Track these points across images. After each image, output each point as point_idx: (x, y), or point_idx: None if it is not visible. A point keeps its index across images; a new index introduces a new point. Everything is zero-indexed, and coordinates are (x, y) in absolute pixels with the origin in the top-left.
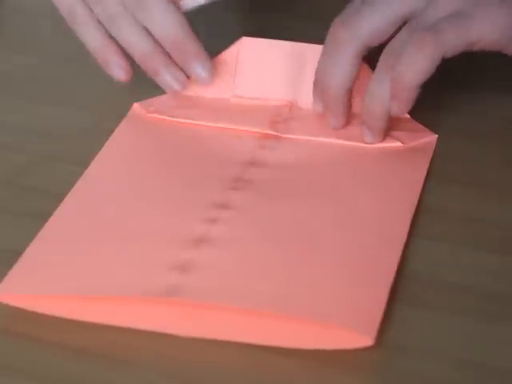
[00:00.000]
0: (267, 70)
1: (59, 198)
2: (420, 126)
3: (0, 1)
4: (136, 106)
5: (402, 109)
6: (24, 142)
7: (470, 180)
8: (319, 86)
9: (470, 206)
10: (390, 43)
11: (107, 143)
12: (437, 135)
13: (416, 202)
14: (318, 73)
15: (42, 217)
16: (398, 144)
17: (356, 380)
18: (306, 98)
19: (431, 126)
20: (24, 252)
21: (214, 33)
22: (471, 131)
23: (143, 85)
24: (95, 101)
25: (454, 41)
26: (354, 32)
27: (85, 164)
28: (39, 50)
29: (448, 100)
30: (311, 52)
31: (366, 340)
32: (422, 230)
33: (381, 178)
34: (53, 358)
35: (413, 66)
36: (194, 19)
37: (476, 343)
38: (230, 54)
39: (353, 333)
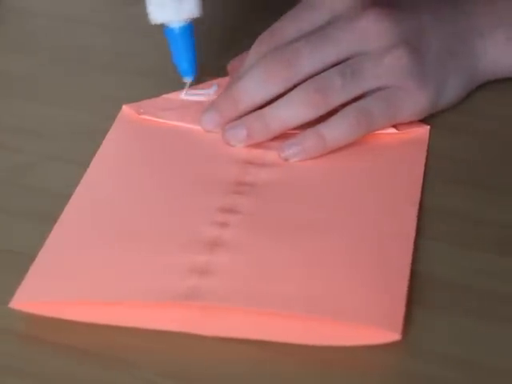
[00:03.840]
0: None
1: (59, 197)
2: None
3: (0, 1)
4: (125, 108)
5: (299, 158)
6: (24, 142)
7: (470, 180)
8: (229, 96)
9: (470, 205)
10: (318, 78)
11: (103, 145)
12: (429, 126)
13: (419, 195)
14: (233, 90)
15: (41, 217)
16: (393, 130)
17: (356, 380)
18: None
19: (431, 126)
20: (35, 259)
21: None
22: (471, 131)
23: (143, 85)
24: (94, 101)
25: (380, 124)
26: (294, 74)
27: (84, 164)
28: (39, 50)
29: None
30: None
31: (393, 335)
32: (422, 230)
33: (381, 171)
34: (52, 358)
35: (339, 136)
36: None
37: (476, 343)
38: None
39: (380, 329)
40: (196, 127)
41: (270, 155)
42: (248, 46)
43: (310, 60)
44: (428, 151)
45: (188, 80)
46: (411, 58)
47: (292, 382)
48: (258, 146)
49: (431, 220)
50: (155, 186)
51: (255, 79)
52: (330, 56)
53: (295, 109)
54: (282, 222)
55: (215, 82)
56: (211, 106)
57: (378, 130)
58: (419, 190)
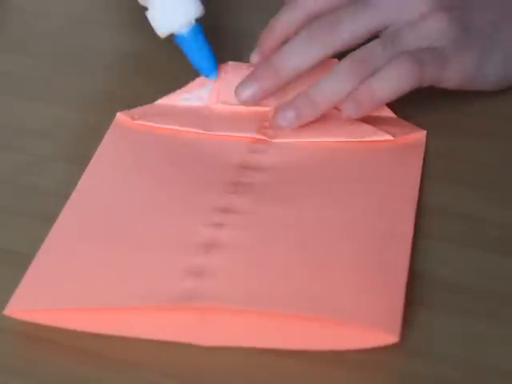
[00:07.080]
0: None
1: (59, 198)
2: (408, 124)
3: (0, 1)
4: (119, 114)
5: (356, 114)
6: (24, 142)
7: (470, 180)
8: (269, 65)
9: (470, 205)
10: (359, 50)
11: (98, 150)
12: (425, 131)
13: (417, 197)
14: (273, 59)
15: (41, 217)
16: (389, 137)
17: (356, 380)
18: None
19: (431, 126)
20: (30, 265)
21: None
22: (471, 131)
23: (143, 85)
24: (95, 101)
25: (431, 76)
26: (333, 39)
27: (85, 164)
28: (39, 50)
29: (447, 99)
30: None
31: (391, 338)
32: (422, 230)
33: (378, 174)
34: (52, 357)
35: (391, 86)
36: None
37: (476, 343)
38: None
39: (378, 331)
40: (191, 130)
41: (266, 160)
42: (246, 47)
43: (350, 24)
44: (427, 151)
45: (213, 78)
46: (452, 23)
47: (292, 382)
48: (253, 150)
49: (431, 220)
50: (151, 188)
51: (297, 45)
52: (371, 22)
53: (340, 82)
54: (277, 222)
55: (202, 80)
56: (250, 76)
57: (427, 82)
58: (417, 192)
